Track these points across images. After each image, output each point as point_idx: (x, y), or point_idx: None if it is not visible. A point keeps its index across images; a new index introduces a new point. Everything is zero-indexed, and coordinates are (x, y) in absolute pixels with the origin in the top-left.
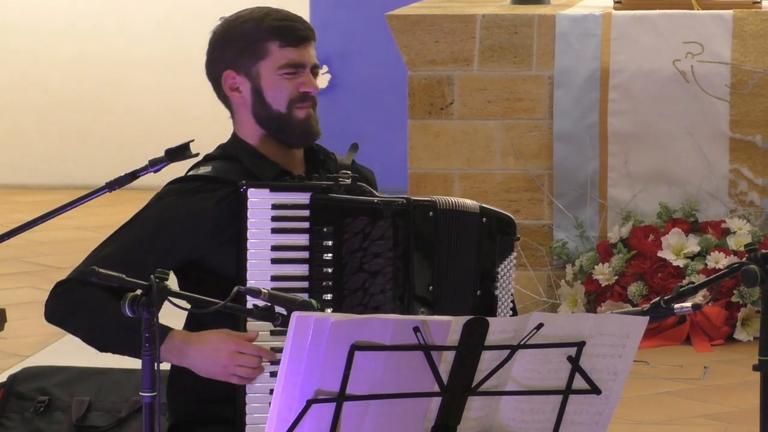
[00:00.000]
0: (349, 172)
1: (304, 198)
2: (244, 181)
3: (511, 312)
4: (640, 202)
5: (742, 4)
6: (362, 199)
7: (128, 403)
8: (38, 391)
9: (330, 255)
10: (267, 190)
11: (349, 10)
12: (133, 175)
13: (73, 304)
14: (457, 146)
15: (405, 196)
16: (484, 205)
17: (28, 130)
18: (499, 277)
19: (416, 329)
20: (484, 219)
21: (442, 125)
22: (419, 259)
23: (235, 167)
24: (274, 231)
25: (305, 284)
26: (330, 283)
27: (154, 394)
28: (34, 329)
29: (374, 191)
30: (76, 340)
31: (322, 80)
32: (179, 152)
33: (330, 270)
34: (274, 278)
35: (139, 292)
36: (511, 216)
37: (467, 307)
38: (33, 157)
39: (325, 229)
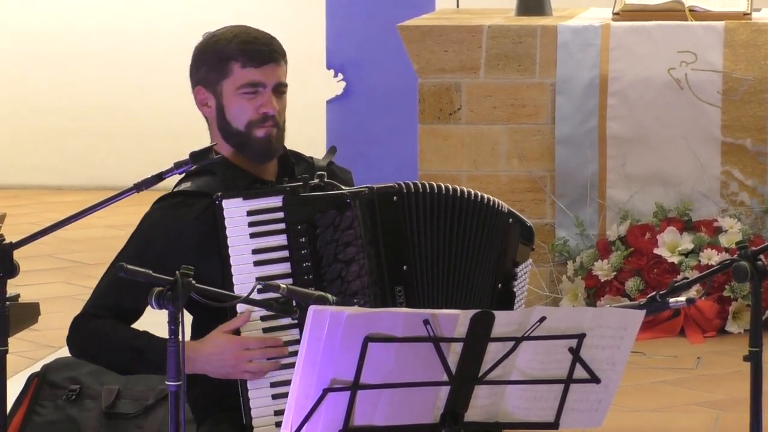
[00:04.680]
0: (324, 173)
1: (276, 201)
2: (219, 193)
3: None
4: (637, 202)
5: (734, 16)
6: (329, 193)
7: (155, 391)
8: (70, 380)
9: (306, 250)
10: (240, 199)
11: (363, 21)
12: (160, 177)
13: (86, 340)
14: (464, 149)
15: (369, 185)
16: (512, 210)
17: (59, 134)
18: (518, 276)
19: (426, 322)
20: (511, 220)
21: (450, 130)
22: (389, 242)
23: (212, 180)
24: (253, 236)
25: (289, 281)
26: (310, 276)
27: (179, 383)
28: (66, 322)
29: (342, 186)
30: None
31: (337, 87)
32: (202, 155)
33: (309, 264)
34: (259, 279)
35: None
36: (532, 227)
37: (485, 299)
38: (64, 160)
39: (299, 227)
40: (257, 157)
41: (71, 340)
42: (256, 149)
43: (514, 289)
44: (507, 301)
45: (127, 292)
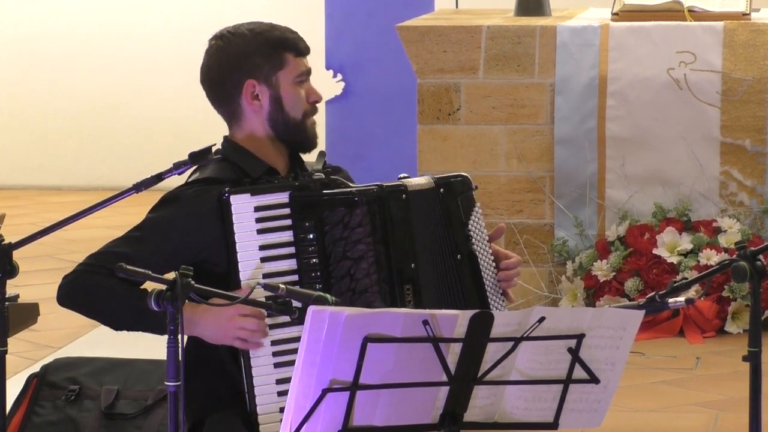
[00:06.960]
0: (329, 169)
1: (283, 197)
2: (227, 188)
3: (493, 264)
4: (636, 203)
5: (733, 16)
6: (338, 191)
7: (154, 391)
8: (69, 380)
9: (314, 247)
10: (248, 195)
11: (362, 21)
12: (159, 177)
13: (87, 289)
14: (463, 150)
15: (377, 183)
16: (437, 176)
17: (59, 135)
18: (471, 233)
19: (425, 322)
20: (442, 190)
21: (449, 130)
22: (398, 240)
23: (228, 166)
24: (260, 231)
25: (295, 277)
26: (318, 273)
27: (179, 383)
28: (65, 322)
29: (349, 183)
30: (106, 333)
31: (337, 88)
32: (202, 155)
33: (316, 261)
34: (266, 275)
35: (164, 287)
36: (464, 174)
37: (451, 275)
38: (64, 161)
39: (306, 224)
40: (308, 146)
41: (66, 290)
42: (310, 138)
43: (473, 248)
44: (472, 265)
45: (142, 265)
